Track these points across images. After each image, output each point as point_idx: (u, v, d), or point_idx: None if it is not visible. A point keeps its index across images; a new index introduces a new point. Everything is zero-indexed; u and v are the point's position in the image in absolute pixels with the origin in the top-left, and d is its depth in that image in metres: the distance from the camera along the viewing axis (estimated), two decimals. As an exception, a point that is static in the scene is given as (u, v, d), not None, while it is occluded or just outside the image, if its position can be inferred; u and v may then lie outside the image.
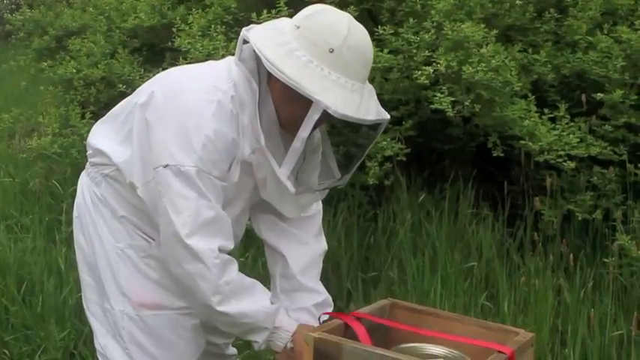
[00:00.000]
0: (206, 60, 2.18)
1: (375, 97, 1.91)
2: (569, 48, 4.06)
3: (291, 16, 1.97)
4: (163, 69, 3.37)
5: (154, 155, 1.87)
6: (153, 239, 1.99)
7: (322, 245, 2.18)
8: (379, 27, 3.86)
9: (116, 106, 2.10)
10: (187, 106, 1.86)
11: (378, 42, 3.80)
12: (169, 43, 4.61)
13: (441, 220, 3.91)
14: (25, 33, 6.35)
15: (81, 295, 3.37)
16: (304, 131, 1.81)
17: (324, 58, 1.80)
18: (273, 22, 1.92)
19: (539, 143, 3.61)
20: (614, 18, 4.09)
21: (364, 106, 1.84)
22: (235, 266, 1.91)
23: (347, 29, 1.82)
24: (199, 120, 1.84)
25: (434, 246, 3.79)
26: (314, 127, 1.83)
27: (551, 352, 3.18)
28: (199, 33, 4.37)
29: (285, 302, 2.07)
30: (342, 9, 1.97)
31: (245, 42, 1.89)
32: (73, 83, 5.17)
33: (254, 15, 3.99)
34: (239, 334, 2.00)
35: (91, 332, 3.22)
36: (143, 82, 2.25)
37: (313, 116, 1.79)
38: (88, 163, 2.12)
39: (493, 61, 3.67)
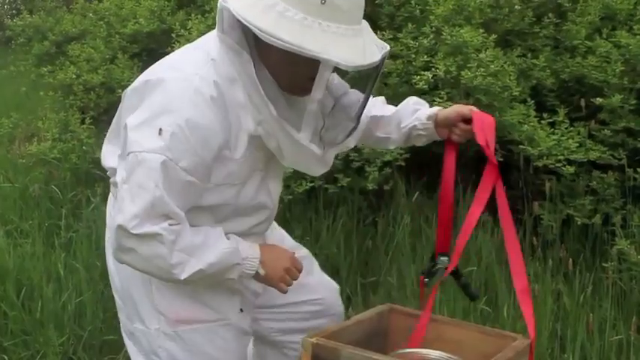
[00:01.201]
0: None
1: (372, 31, 1.87)
2: (568, 53, 4.06)
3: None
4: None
5: (126, 143, 1.82)
6: None
7: None
8: (378, 32, 3.86)
9: (114, 123, 2.05)
10: (162, 96, 1.80)
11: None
12: (169, 49, 4.60)
13: (441, 225, 3.90)
14: (25, 38, 6.34)
15: (80, 300, 3.43)
16: (317, 92, 1.74)
17: (317, 11, 1.70)
18: None
19: (539, 148, 3.60)
20: (613, 23, 4.08)
21: (369, 48, 1.79)
22: (186, 230, 1.82)
23: None
24: (172, 108, 1.77)
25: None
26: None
27: (550, 357, 3.18)
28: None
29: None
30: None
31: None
32: (73, 88, 5.16)
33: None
34: (215, 281, 1.92)
35: (90, 337, 3.28)
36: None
37: (324, 75, 1.72)
38: (111, 186, 2.05)
39: (492, 66, 3.67)
